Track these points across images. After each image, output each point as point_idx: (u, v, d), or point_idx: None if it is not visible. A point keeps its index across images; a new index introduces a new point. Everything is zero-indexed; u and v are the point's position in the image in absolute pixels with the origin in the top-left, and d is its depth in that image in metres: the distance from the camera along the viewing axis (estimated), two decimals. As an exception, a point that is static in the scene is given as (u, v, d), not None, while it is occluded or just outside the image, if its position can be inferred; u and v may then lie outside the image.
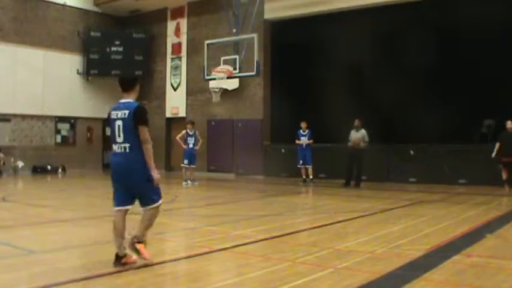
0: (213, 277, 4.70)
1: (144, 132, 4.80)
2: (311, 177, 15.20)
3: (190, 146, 14.59)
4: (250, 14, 16.95)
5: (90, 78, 21.37)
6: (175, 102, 21.06)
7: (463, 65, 14.37)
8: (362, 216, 8.43)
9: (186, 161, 14.56)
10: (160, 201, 4.94)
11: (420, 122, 14.38)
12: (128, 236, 4.93)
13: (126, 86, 5.11)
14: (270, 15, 18.32)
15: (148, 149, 4.81)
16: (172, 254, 5.92)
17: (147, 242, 4.97)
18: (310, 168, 15.28)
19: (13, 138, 19.21)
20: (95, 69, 21.20)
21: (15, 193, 13.54)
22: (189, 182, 14.56)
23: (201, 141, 15.17)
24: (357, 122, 13.86)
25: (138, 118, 4.81)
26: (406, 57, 14.46)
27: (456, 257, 5.30)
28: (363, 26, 15.63)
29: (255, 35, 16.03)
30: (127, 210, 4.93)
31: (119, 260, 4.81)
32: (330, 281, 4.43)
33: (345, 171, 14.61)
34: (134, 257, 4.88)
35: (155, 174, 4.81)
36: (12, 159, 18.95)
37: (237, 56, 16.63)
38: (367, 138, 13.77)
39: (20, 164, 19.02)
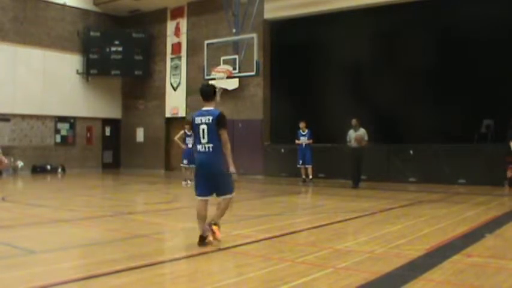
0: (213, 277, 4.70)
1: (225, 135, 5.77)
2: (311, 177, 15.19)
3: (189, 146, 14.60)
4: (250, 14, 16.94)
5: (89, 78, 21.37)
6: (175, 102, 21.06)
7: (463, 65, 14.37)
8: (361, 216, 8.43)
9: (185, 161, 14.56)
10: (232, 195, 5.90)
11: (420, 122, 14.38)
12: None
13: (207, 96, 6.00)
14: (269, 15, 18.32)
15: (228, 147, 5.79)
16: (172, 254, 5.92)
17: (219, 226, 5.97)
18: (309, 168, 15.28)
19: (13, 138, 19.21)
20: (95, 69, 21.20)
21: (15, 193, 13.54)
22: (188, 182, 14.55)
23: (199, 140, 15.14)
24: (354, 122, 13.65)
25: (220, 123, 5.76)
26: (405, 57, 14.47)
27: (456, 257, 5.30)
28: (363, 26, 15.64)
29: (254, 35, 16.01)
30: (207, 200, 5.89)
31: (203, 240, 5.78)
32: (329, 280, 4.43)
33: (345, 171, 14.59)
34: (210, 237, 5.83)
35: (233, 168, 5.78)
36: (12, 159, 18.94)
37: (236, 56, 16.62)
38: (366, 137, 13.69)
39: (20, 163, 19.02)
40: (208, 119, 5.75)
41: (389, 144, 15.51)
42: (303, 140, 15.16)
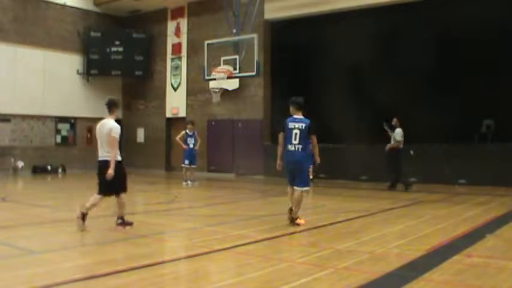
0: (213, 277, 4.70)
1: (315, 139, 7.37)
2: (311, 177, 15.17)
3: (191, 146, 14.60)
4: (250, 14, 16.94)
5: (90, 78, 21.37)
6: (176, 103, 21.06)
7: (463, 64, 14.35)
8: (362, 216, 8.43)
9: (186, 161, 14.56)
10: (306, 188, 7.39)
11: (420, 122, 14.36)
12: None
13: (299, 107, 7.42)
14: (270, 15, 18.31)
15: (317, 148, 7.56)
16: (172, 254, 5.93)
17: (300, 217, 7.37)
18: (310, 168, 15.25)
19: (13, 139, 19.21)
20: (95, 69, 21.19)
21: (15, 193, 13.54)
22: (189, 182, 14.57)
23: (199, 141, 15.17)
24: (395, 121, 13.11)
25: (313, 130, 7.32)
26: (406, 57, 14.45)
27: (456, 257, 5.30)
28: (363, 26, 15.62)
29: (255, 35, 16.02)
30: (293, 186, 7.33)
31: (293, 221, 7.28)
32: (329, 281, 4.43)
33: (345, 171, 14.54)
34: (302, 221, 7.35)
35: (319, 159, 7.63)
36: (12, 160, 18.95)
37: (237, 56, 16.63)
38: (398, 138, 12.92)
39: (20, 164, 19.02)
40: (302, 126, 7.21)
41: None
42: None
